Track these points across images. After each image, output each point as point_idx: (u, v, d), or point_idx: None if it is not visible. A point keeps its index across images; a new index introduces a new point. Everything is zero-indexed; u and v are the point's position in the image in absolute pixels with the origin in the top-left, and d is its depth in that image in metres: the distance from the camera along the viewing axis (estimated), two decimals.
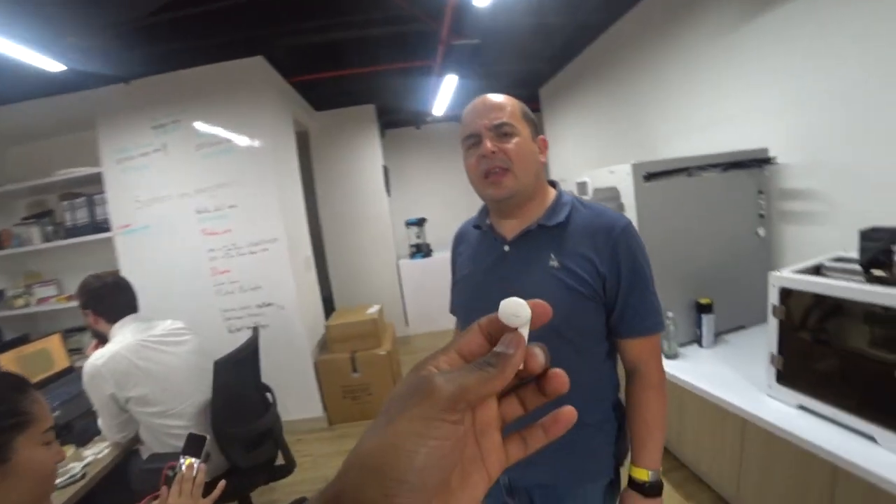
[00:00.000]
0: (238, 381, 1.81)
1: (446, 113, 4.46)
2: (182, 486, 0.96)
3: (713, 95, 2.35)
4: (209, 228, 2.80)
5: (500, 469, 0.31)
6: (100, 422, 1.67)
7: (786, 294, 1.37)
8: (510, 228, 0.95)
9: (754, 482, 1.50)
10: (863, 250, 1.24)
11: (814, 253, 1.85)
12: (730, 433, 1.58)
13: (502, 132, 0.88)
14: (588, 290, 0.87)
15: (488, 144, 0.87)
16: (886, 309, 1.15)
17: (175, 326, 1.84)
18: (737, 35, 2.14)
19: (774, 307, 1.38)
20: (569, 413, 0.32)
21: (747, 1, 2.04)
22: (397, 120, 5.18)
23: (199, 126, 2.74)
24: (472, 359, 0.31)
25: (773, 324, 1.40)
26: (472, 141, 0.91)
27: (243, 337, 2.87)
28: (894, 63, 1.53)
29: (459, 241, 1.11)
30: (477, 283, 0.98)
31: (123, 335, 1.65)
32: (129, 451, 1.76)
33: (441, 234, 5.66)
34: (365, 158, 4.35)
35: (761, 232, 2.04)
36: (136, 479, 1.70)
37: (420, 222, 4.92)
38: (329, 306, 4.07)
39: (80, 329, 3.07)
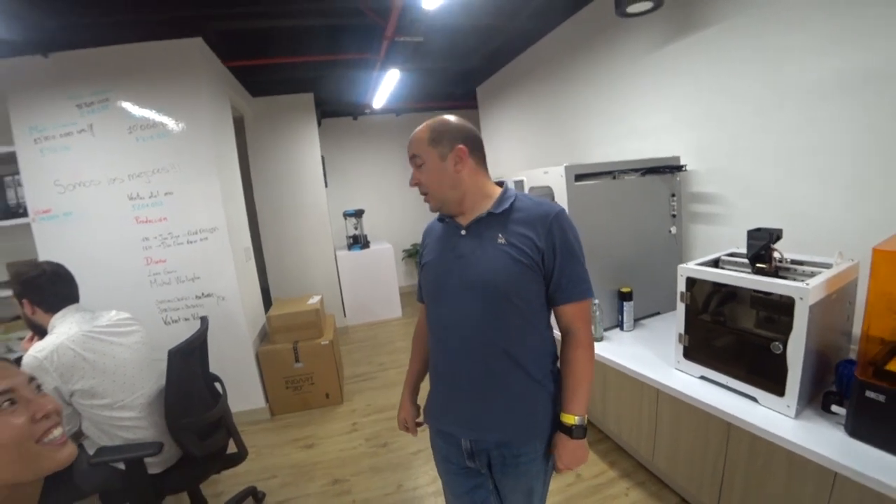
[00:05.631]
0: (188, 371, 1.79)
1: (385, 105, 4.49)
2: None
3: (637, 106, 2.64)
4: (143, 216, 2.66)
5: None
6: None
7: (691, 283, 1.64)
8: (465, 220, 1.12)
9: (666, 445, 1.77)
10: (749, 247, 1.52)
11: (715, 249, 2.17)
12: (646, 404, 1.83)
13: (415, 164, 1.11)
14: (529, 261, 1.04)
15: (412, 177, 1.12)
16: (766, 294, 1.42)
17: (121, 317, 1.79)
18: (659, 54, 2.42)
19: (682, 294, 1.65)
20: None
21: (670, 25, 2.32)
22: (335, 110, 5.14)
23: (130, 107, 2.59)
24: None
25: (680, 308, 1.66)
26: None
27: (180, 329, 2.79)
28: (777, 88, 1.84)
29: (427, 234, 1.26)
30: (440, 262, 1.14)
31: (67, 326, 1.58)
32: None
33: (378, 226, 5.71)
34: (302, 147, 4.28)
35: (673, 230, 2.34)
36: (82, 475, 1.64)
37: (358, 213, 4.94)
38: (266, 298, 3.99)
39: None
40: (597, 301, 2.13)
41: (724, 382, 1.57)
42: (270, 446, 2.71)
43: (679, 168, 2.27)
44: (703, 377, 1.64)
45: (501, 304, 1.04)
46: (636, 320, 2.28)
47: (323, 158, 4.52)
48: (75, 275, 2.62)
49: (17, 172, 2.58)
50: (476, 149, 1.11)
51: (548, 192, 2.20)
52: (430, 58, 3.53)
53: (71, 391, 1.53)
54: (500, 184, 1.18)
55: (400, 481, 2.26)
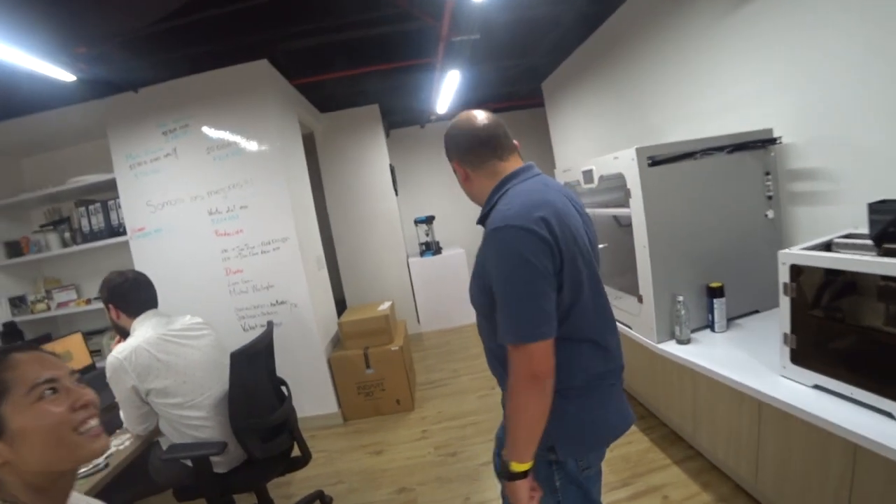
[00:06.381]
0: (252, 373, 1.84)
1: (450, 111, 4.47)
2: None
3: (715, 79, 2.33)
4: (221, 229, 2.84)
5: None
6: (122, 414, 1.72)
7: (796, 272, 1.36)
8: None
9: (773, 467, 1.48)
10: (872, 224, 1.22)
11: (825, 232, 1.82)
12: (746, 417, 1.56)
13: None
14: (481, 282, 0.99)
15: None
16: None
17: (194, 321, 1.89)
18: (736, 17, 2.11)
19: (785, 285, 1.37)
20: None
21: None
22: (402, 119, 5.22)
23: (208, 130, 2.79)
24: None
25: (784, 302, 1.38)
26: None
27: (257, 335, 2.93)
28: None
29: None
30: None
31: (144, 330, 1.70)
32: (150, 443, 1.81)
33: (450, 232, 5.68)
34: (371, 158, 4.38)
35: (770, 213, 2.01)
36: (156, 470, 1.75)
37: (429, 220, 4.93)
38: (341, 307, 4.10)
39: (99, 331, 3.15)
40: (681, 298, 1.87)
41: (847, 393, 1.27)
42: (340, 451, 2.73)
43: (773, 141, 1.94)
44: (817, 386, 1.35)
45: (481, 317, 1.07)
46: (730, 320, 1.97)
47: (393, 168, 4.60)
48: (165, 285, 2.85)
49: (117, 196, 2.89)
50: (470, 152, 1.06)
51: (620, 181, 1.99)
52: (490, 56, 3.44)
53: (147, 390, 1.63)
54: (499, 186, 1.04)
55: (467, 494, 2.15)
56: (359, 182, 4.39)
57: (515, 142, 1.11)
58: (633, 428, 2.44)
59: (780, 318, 1.41)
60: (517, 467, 0.95)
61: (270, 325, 2.04)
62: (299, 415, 3.00)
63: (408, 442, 2.71)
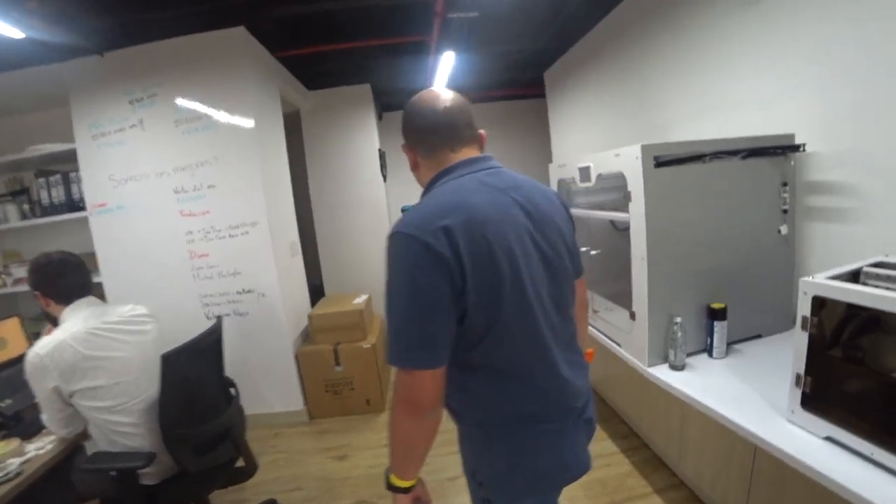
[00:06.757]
0: (195, 374, 1.65)
1: None
2: None
3: (732, 74, 2.10)
4: (187, 209, 2.64)
5: None
6: (43, 416, 1.54)
7: (819, 304, 1.15)
8: None
9: None
10: None
11: (844, 256, 1.62)
12: (739, 455, 1.37)
13: None
14: None
15: None
16: None
17: (135, 313, 1.67)
18: (759, 7, 1.88)
19: (805, 319, 1.15)
20: None
21: None
22: (396, 102, 4.95)
23: (178, 101, 2.57)
24: None
25: (801, 339, 1.17)
26: None
27: (225, 324, 2.75)
28: None
29: None
30: None
31: (73, 322, 1.50)
32: (76, 447, 1.63)
33: None
34: (360, 141, 4.13)
35: (783, 229, 1.80)
36: (78, 479, 1.57)
37: None
38: (319, 294, 3.91)
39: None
40: (679, 320, 1.67)
41: (866, 452, 1.07)
42: (302, 453, 2.56)
43: (796, 148, 1.72)
44: (829, 438, 1.15)
45: None
46: (730, 344, 1.78)
47: (384, 153, 4.36)
48: (125, 267, 2.67)
49: (79, 169, 2.67)
50: (422, 138, 0.95)
51: (620, 181, 1.77)
52: (489, 38, 3.19)
53: (71, 391, 1.44)
54: (432, 182, 0.94)
55: None
56: (345, 165, 4.15)
57: (482, 132, 0.98)
58: (614, 448, 2.26)
59: (794, 355, 1.21)
60: (396, 481, 0.91)
61: (220, 320, 1.83)
62: (264, 410, 2.86)
63: (374, 448, 2.53)
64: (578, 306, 1.08)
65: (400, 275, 0.78)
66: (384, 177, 4.34)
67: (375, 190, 4.21)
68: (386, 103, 4.94)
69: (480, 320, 0.81)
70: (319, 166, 4.15)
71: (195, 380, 1.66)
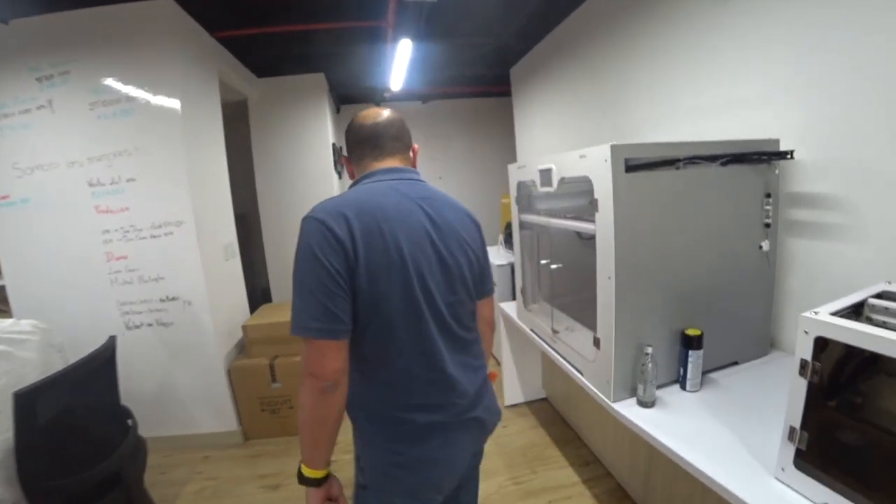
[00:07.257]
0: (77, 407, 1.36)
1: (405, 88, 4.01)
2: None
3: (709, 74, 1.91)
4: (103, 205, 2.31)
5: None
6: None
7: (821, 346, 0.93)
8: None
9: None
10: None
11: (826, 273, 1.46)
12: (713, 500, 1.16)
13: None
14: None
15: None
16: None
17: (15, 329, 1.37)
18: (738, 4, 1.70)
19: (805, 363, 0.93)
20: None
21: None
22: (354, 95, 4.67)
23: (93, 81, 2.24)
24: None
25: (799, 386, 0.95)
26: None
27: (143, 335, 2.41)
28: None
29: None
30: None
31: None
32: None
33: None
34: (312, 133, 3.82)
35: (765, 245, 1.62)
36: None
37: None
38: (266, 300, 3.60)
39: None
40: (649, 350, 1.44)
41: None
42: (232, 481, 2.27)
43: (783, 155, 1.53)
44: None
45: None
46: (704, 373, 1.57)
47: (340, 148, 4.07)
48: (35, 270, 2.32)
49: None
50: (351, 148, 1.08)
51: (586, 186, 1.54)
52: (449, 27, 2.95)
53: None
54: (385, 171, 1.05)
55: None
56: (295, 159, 3.82)
57: (416, 146, 1.13)
58: (575, 478, 2.05)
59: (788, 404, 0.98)
60: (307, 471, 0.92)
61: (112, 340, 1.54)
62: (193, 431, 2.55)
63: None
64: (484, 325, 1.16)
65: (304, 252, 0.88)
66: (339, 173, 4.05)
67: (328, 186, 3.90)
68: (344, 95, 4.65)
69: (364, 311, 0.89)
70: (267, 160, 3.82)
71: (78, 414, 1.36)
